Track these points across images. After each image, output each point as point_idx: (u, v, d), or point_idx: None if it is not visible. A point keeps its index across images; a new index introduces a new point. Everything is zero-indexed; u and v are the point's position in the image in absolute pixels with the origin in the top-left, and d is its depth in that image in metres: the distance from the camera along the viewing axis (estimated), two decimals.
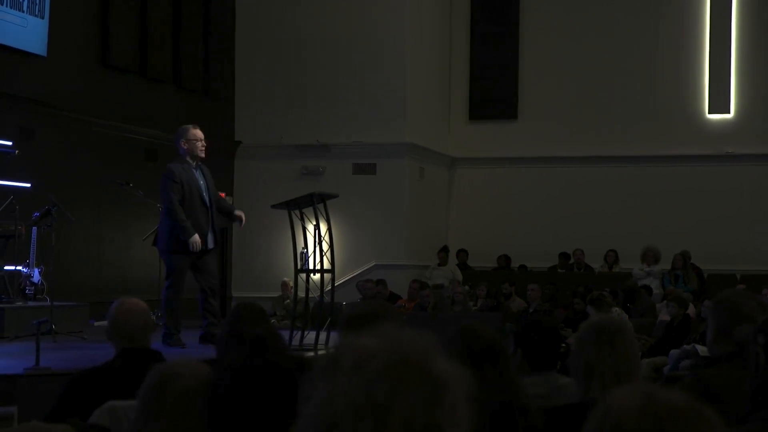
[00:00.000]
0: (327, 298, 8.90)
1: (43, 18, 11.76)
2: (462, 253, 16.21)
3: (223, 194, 9.25)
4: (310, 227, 8.40)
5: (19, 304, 9.76)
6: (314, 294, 9.00)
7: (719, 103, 15.99)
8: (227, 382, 1.98)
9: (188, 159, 8.44)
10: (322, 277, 8.74)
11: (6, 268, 10.10)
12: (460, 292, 13.07)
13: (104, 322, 12.08)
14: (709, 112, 16.09)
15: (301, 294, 9.03)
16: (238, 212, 8.88)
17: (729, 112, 16.03)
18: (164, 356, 4.12)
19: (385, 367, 1.18)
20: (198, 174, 8.49)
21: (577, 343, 3.42)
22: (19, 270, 10.12)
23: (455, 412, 1.19)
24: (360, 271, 14.91)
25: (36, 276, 10.09)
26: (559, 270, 15.47)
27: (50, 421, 3.79)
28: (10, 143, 10.97)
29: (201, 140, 8.52)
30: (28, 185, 10.96)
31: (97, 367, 4.10)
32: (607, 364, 3.22)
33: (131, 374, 3.84)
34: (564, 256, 15.54)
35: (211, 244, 8.51)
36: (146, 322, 4.12)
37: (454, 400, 1.19)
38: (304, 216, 8.49)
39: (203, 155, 8.52)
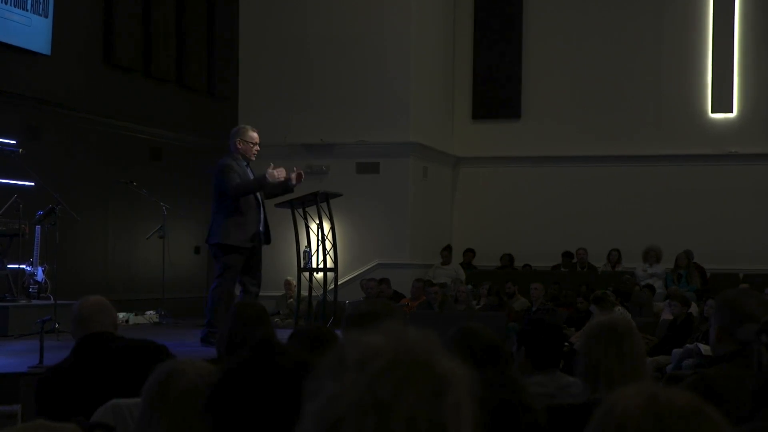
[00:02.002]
0: (330, 297, 8.90)
1: (47, 17, 11.77)
2: (469, 253, 16.21)
3: None
4: (314, 226, 8.41)
5: (23, 302, 9.77)
6: (317, 293, 9.01)
7: (722, 102, 15.98)
8: (231, 382, 1.99)
9: (239, 158, 8.31)
10: (325, 275, 8.75)
11: (10, 266, 10.11)
12: (463, 291, 13.08)
13: None
14: (712, 112, 16.07)
15: (305, 293, 9.04)
16: (293, 175, 8.52)
17: (732, 112, 16.02)
18: (123, 337, 4.21)
19: (389, 364, 1.18)
20: (249, 172, 8.37)
21: (584, 343, 3.42)
22: (23, 268, 10.13)
23: (459, 409, 1.20)
24: (363, 270, 14.92)
25: (39, 274, 10.11)
26: (562, 269, 15.47)
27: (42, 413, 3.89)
28: (14, 142, 10.99)
29: (257, 143, 8.38)
30: (32, 184, 10.98)
31: (56, 365, 4.22)
32: (614, 365, 3.22)
33: (87, 359, 3.97)
34: (567, 255, 15.55)
35: (264, 241, 8.35)
36: (103, 308, 4.21)
37: (458, 398, 1.20)
38: (308, 215, 8.50)
39: (254, 158, 8.38)
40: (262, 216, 8.26)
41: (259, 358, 2.01)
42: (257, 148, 8.34)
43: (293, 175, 8.41)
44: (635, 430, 1.29)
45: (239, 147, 8.25)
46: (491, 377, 3.19)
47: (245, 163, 8.29)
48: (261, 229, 8.23)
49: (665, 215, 15.77)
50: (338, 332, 8.29)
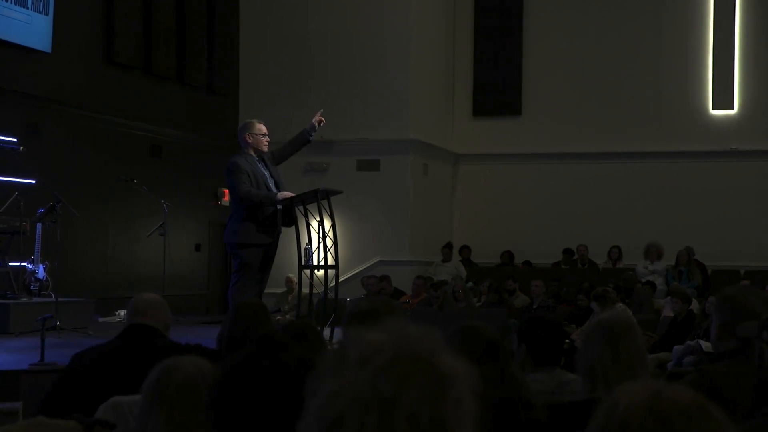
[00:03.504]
0: (331, 295, 8.90)
1: (47, 15, 11.77)
2: (465, 249, 16.22)
3: (226, 190, 9.11)
4: (315, 223, 8.40)
5: (24, 300, 9.77)
6: (318, 290, 9.00)
7: (723, 99, 15.97)
8: (234, 379, 1.99)
9: (251, 152, 8.28)
10: (326, 273, 8.74)
11: (11, 264, 10.12)
12: (461, 288, 13.06)
13: (109, 318, 12.04)
14: (712, 108, 16.07)
15: (305, 290, 9.03)
16: (315, 119, 8.57)
17: (732, 108, 16.01)
18: (171, 339, 4.24)
19: (391, 361, 1.18)
20: (261, 165, 8.34)
21: (583, 341, 3.41)
22: (24, 266, 10.13)
23: (461, 406, 1.19)
24: (364, 267, 14.92)
25: (41, 272, 10.10)
26: (562, 266, 15.47)
27: (56, 394, 3.93)
28: (15, 139, 10.99)
29: (266, 135, 8.36)
30: (33, 181, 10.98)
31: (98, 345, 4.27)
32: (610, 364, 3.22)
33: (130, 348, 4.02)
34: (568, 252, 15.54)
35: (281, 230, 8.28)
36: (156, 306, 4.26)
37: (460, 395, 1.20)
38: (309, 212, 8.48)
39: (266, 149, 8.37)
40: (279, 207, 8.19)
41: (262, 353, 2.01)
42: (267, 138, 8.33)
43: (315, 121, 8.49)
44: (638, 427, 1.29)
45: (249, 141, 8.22)
46: (491, 374, 3.19)
47: (257, 158, 8.26)
48: (278, 221, 8.17)
49: (666, 212, 15.77)
50: (325, 330, 8.21)
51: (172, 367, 2.61)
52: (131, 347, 4.14)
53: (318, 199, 8.34)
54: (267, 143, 8.33)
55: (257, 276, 8.13)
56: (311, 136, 8.65)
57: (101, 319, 11.34)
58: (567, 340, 8.42)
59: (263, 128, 8.31)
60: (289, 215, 8.27)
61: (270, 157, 8.38)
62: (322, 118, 8.58)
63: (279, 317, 12.53)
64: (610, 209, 15.99)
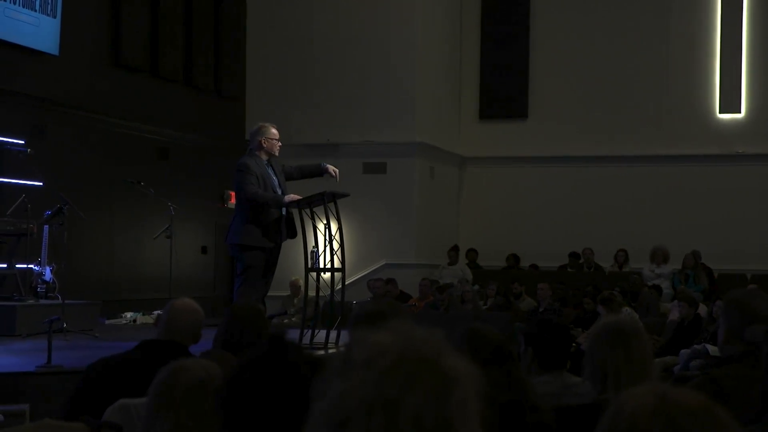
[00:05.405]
0: (337, 297, 8.90)
1: (55, 17, 11.81)
2: (472, 253, 16.21)
3: (232, 192, 9.12)
4: (321, 226, 8.40)
5: (31, 302, 9.78)
6: (324, 293, 9.00)
7: (730, 102, 15.95)
8: (243, 379, 1.99)
9: (261, 155, 8.32)
10: (332, 276, 8.74)
11: (18, 266, 10.13)
12: (469, 291, 13.08)
13: (115, 321, 12.05)
14: (719, 112, 16.04)
15: (312, 293, 9.03)
16: (330, 167, 8.64)
17: (740, 112, 15.98)
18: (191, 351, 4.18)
19: (396, 362, 1.19)
20: (270, 170, 8.37)
21: (591, 344, 3.41)
22: (31, 268, 10.15)
23: (465, 407, 1.20)
24: (370, 270, 14.92)
25: (48, 274, 10.12)
26: (568, 269, 15.45)
27: (72, 406, 3.89)
28: (22, 142, 11.01)
29: (279, 140, 8.43)
30: (40, 184, 11.00)
31: (116, 356, 4.17)
32: (622, 366, 3.21)
33: (151, 364, 3.95)
34: (574, 255, 15.53)
35: (288, 235, 8.39)
36: (191, 320, 4.16)
37: (465, 396, 1.20)
38: (315, 215, 8.49)
39: (278, 154, 8.43)
40: (283, 213, 8.23)
41: (272, 354, 2.02)
42: (279, 143, 8.41)
43: (331, 170, 8.61)
44: (645, 430, 1.29)
45: (264, 145, 8.27)
46: (498, 377, 3.19)
47: (266, 161, 8.30)
48: (282, 227, 8.20)
49: (672, 216, 15.75)
50: (331, 333, 8.20)
51: (179, 370, 2.61)
52: (151, 364, 4.06)
53: (324, 201, 8.34)
54: (279, 147, 8.39)
55: (261, 279, 8.14)
56: (321, 175, 8.71)
57: (107, 322, 11.36)
58: (573, 344, 8.42)
59: (276, 133, 8.38)
60: (292, 226, 8.30)
61: (281, 169, 8.42)
62: (336, 174, 8.68)
63: (286, 320, 12.56)
64: (617, 212, 15.97)
